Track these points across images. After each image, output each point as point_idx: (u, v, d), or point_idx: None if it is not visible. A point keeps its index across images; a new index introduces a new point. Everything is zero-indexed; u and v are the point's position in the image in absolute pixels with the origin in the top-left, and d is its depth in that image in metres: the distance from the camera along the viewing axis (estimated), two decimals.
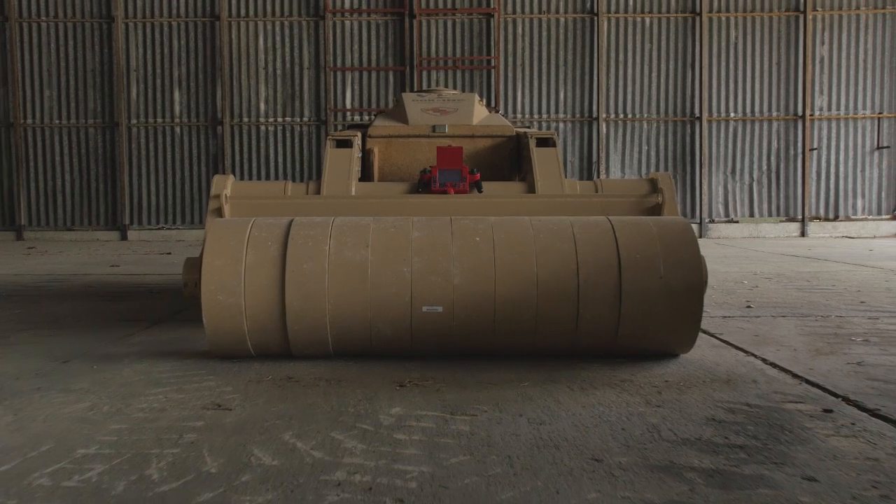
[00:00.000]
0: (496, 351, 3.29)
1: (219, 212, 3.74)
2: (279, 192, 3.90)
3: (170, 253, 10.62)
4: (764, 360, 3.34)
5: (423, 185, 3.89)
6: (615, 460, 2.06)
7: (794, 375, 3.05)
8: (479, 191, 3.87)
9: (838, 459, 2.06)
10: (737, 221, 13.91)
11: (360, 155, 4.25)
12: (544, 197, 3.83)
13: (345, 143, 4.11)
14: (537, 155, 3.99)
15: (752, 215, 13.95)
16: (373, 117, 13.17)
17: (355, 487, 1.86)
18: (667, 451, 2.13)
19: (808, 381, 2.95)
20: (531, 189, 3.92)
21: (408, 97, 5.00)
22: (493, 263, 3.17)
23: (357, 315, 3.15)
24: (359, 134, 4.42)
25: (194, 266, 3.49)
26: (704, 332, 4.05)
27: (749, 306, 5.01)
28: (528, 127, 5.43)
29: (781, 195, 13.92)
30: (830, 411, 2.53)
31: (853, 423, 2.39)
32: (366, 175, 4.46)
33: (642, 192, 3.90)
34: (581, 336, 3.20)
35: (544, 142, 4.11)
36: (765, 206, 13.95)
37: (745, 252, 10.22)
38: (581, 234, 3.24)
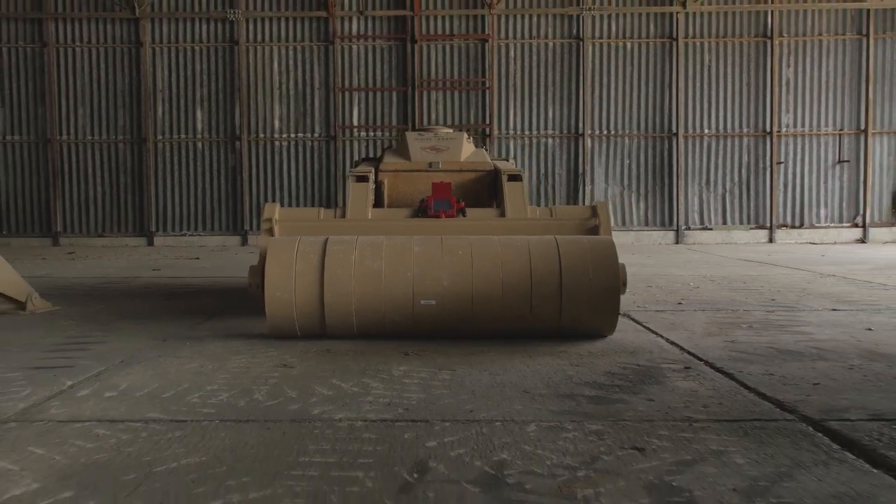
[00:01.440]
0: (474, 332, 4.57)
1: (270, 231, 5.05)
2: (314, 217, 5.22)
3: (198, 258, 11.93)
4: (667, 340, 4.63)
5: (422, 210, 5.21)
6: (538, 392, 3.36)
7: (681, 348, 4.35)
8: (464, 215, 5.18)
9: (673, 391, 3.36)
10: (711, 229, 15.21)
11: (373, 186, 5.56)
12: (512, 220, 5.15)
13: (363, 178, 5.42)
14: (508, 187, 5.31)
15: (724, 223, 15.26)
16: (378, 134, 14.49)
17: (380, 403, 3.16)
18: (571, 388, 3.43)
19: (688, 352, 4.24)
20: (503, 214, 5.23)
21: (410, 136, 6.31)
22: (471, 270, 4.47)
23: (374, 307, 4.45)
24: (372, 169, 5.73)
25: (256, 272, 4.79)
26: (634, 321, 5.35)
27: (681, 303, 6.31)
28: (507, 159, 6.74)
29: (751, 205, 15.22)
30: (689, 368, 3.83)
31: (699, 374, 3.69)
32: (379, 201, 5.77)
33: (585, 216, 5.21)
34: (534, 321, 4.50)
35: (514, 177, 5.42)
36: (736, 214, 15.25)
37: (708, 257, 11.52)
38: (534, 248, 4.54)
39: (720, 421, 2.91)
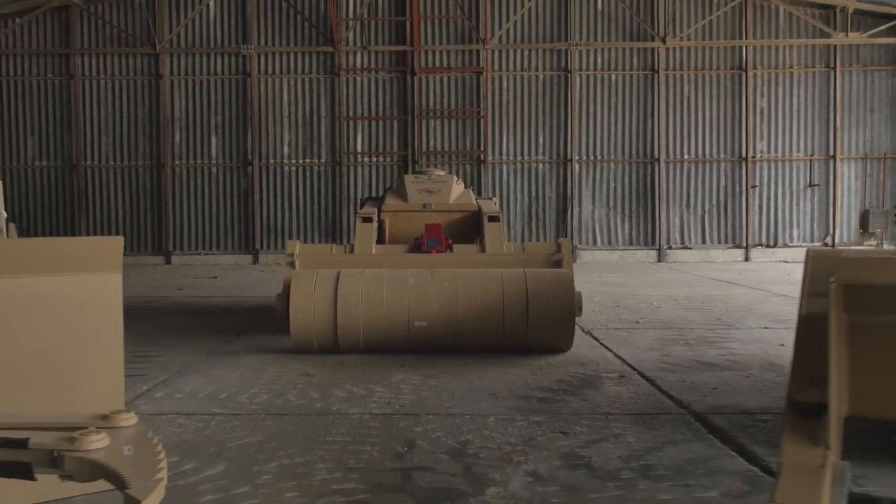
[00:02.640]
0: (458, 348, 5.63)
1: (292, 264, 6.13)
2: (328, 252, 6.32)
3: (216, 277, 13.03)
4: (615, 354, 5.71)
5: (416, 247, 6.31)
6: (501, 394, 4.44)
7: (623, 361, 5.43)
8: (451, 251, 6.28)
9: (604, 394, 4.44)
10: (691, 248, 16.29)
11: (376, 225, 6.67)
12: (490, 255, 6.25)
13: (368, 219, 6.53)
14: (488, 227, 6.42)
15: (704, 242, 16.34)
16: (381, 160, 15.60)
17: (382, 402, 4.25)
18: (527, 391, 4.51)
19: (628, 364, 5.32)
20: (483, 249, 6.34)
21: (408, 178, 7.42)
22: (455, 297, 5.55)
23: (378, 327, 5.53)
24: (376, 209, 6.84)
25: (282, 298, 5.87)
26: (594, 337, 6.42)
27: (638, 322, 7.38)
28: (491, 197, 7.83)
29: (729, 225, 16.31)
30: (623, 377, 4.91)
31: (629, 381, 4.77)
32: (381, 236, 6.87)
33: (550, 251, 6.30)
34: (506, 338, 5.58)
35: (493, 218, 6.53)
36: (715, 234, 16.34)
37: (682, 276, 12.59)
38: (506, 279, 5.63)
39: (630, 414, 3.99)
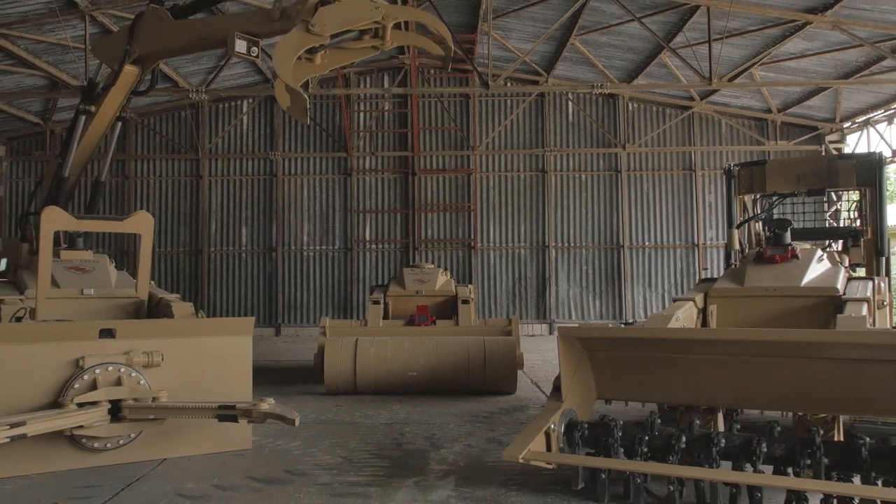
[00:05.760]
0: (437, 390, 8.23)
1: (324, 333, 8.80)
2: (349, 325, 9.02)
3: None
4: (545, 394, 8.32)
5: (410, 321, 9.02)
6: (461, 414, 7.06)
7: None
8: (435, 324, 8.98)
9: (525, 415, 7.05)
10: None
11: (383, 306, 9.39)
12: (462, 328, 8.94)
13: (377, 302, 9.25)
14: (461, 308, 9.13)
15: None
16: (386, 246, 18.36)
17: (386, 418, 6.88)
18: (478, 413, 7.13)
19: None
20: (457, 323, 9.03)
21: (406, 271, 10.18)
22: (436, 356, 8.20)
23: (383, 376, 8.17)
24: (382, 294, 9.58)
25: (318, 356, 8.52)
26: (537, 385, 9.02)
27: None
28: (467, 285, 10.62)
29: None
30: (543, 406, 7.52)
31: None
32: (386, 313, 9.57)
33: (504, 325, 8.98)
34: (470, 383, 8.20)
35: (465, 301, 9.24)
36: None
37: None
38: (471, 344, 8.29)
39: None
